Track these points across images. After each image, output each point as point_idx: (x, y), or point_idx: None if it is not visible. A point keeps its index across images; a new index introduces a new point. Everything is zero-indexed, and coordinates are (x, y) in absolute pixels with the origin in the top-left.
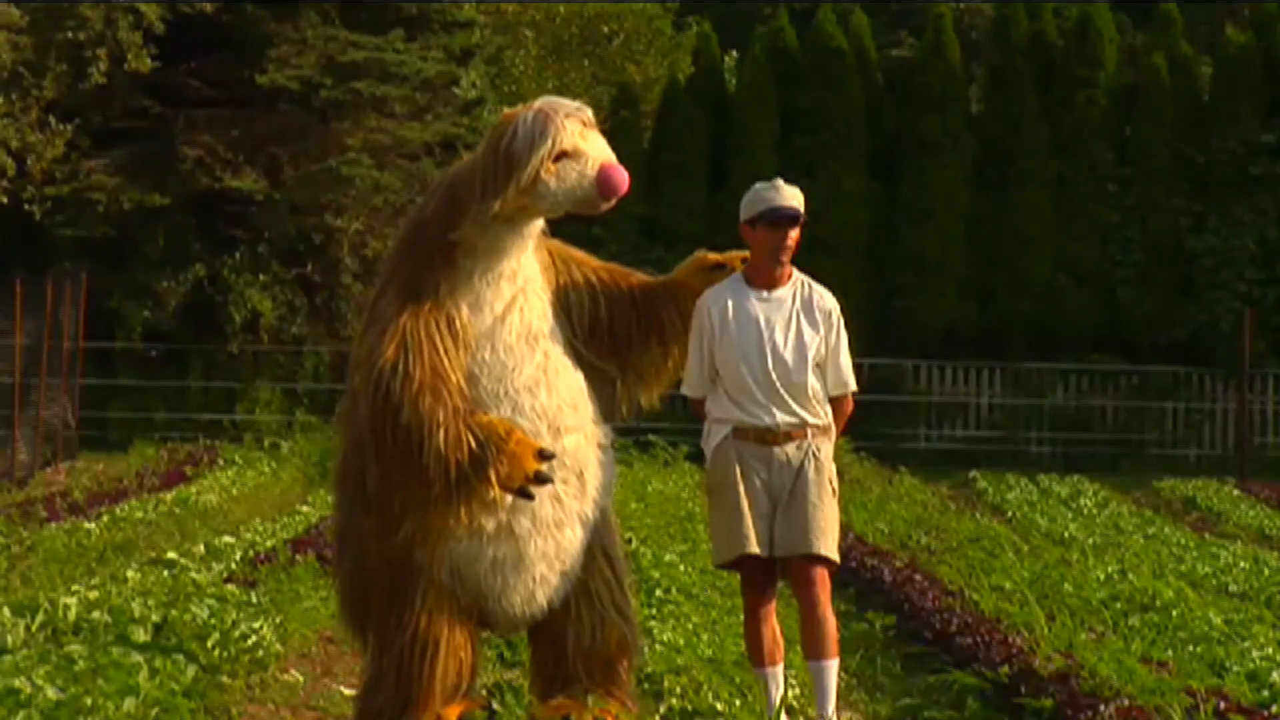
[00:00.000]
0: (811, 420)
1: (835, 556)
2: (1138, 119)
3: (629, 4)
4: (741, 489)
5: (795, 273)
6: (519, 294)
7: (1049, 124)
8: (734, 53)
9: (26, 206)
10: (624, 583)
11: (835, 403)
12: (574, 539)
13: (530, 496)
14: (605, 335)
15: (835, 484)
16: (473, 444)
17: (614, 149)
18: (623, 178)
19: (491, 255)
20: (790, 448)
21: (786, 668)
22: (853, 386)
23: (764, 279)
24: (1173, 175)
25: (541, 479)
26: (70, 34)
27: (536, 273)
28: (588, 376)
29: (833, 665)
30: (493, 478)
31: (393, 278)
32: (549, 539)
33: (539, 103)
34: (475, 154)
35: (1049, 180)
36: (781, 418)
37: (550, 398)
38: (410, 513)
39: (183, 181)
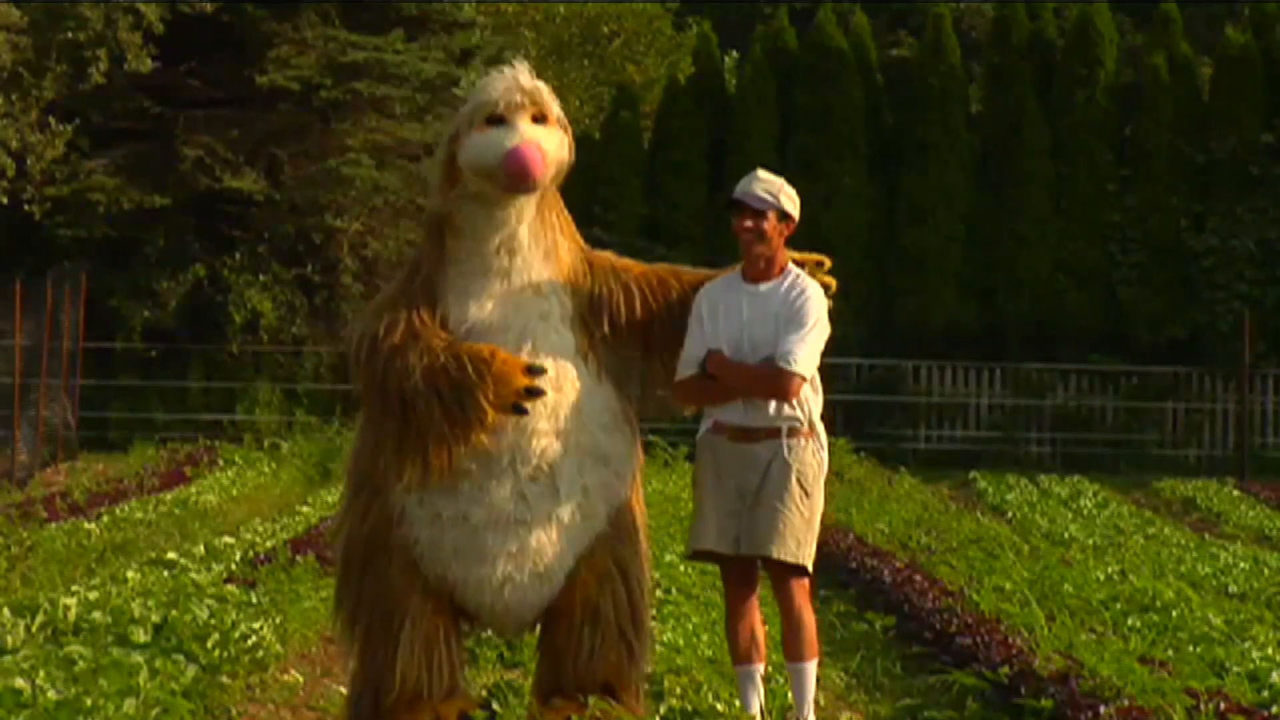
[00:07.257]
0: (788, 421)
1: (797, 560)
2: (1138, 119)
3: (629, 4)
4: (709, 485)
5: (790, 267)
6: (511, 294)
7: (1049, 124)
8: (734, 53)
9: (26, 206)
10: (640, 605)
11: (770, 367)
12: (544, 543)
13: (524, 411)
14: (639, 335)
15: (809, 486)
16: (455, 370)
17: (614, 149)
18: (532, 159)
19: (470, 238)
20: (761, 447)
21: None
22: (787, 363)
23: (750, 272)
24: (1173, 175)
25: (533, 392)
26: (70, 34)
27: (545, 276)
28: (613, 385)
29: (810, 667)
30: (482, 400)
31: (401, 272)
32: (510, 536)
33: (508, 68)
34: None
35: (1049, 180)
36: (756, 414)
37: None
38: (409, 460)
39: (183, 181)
